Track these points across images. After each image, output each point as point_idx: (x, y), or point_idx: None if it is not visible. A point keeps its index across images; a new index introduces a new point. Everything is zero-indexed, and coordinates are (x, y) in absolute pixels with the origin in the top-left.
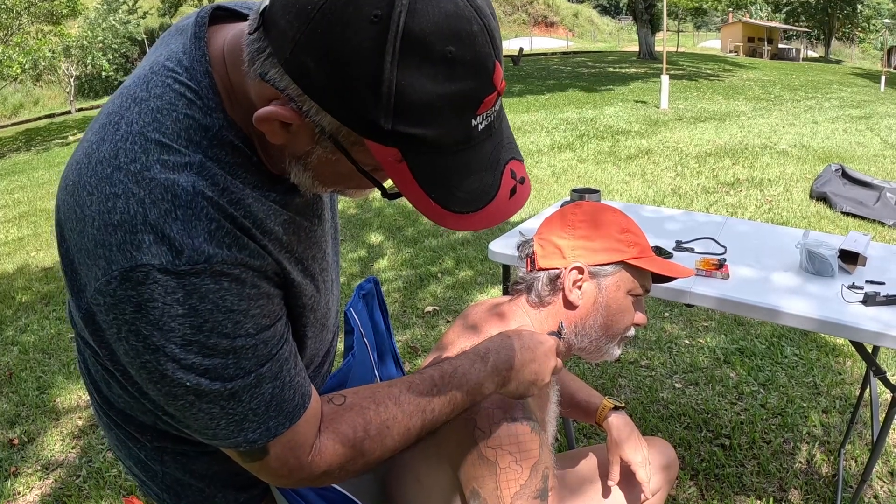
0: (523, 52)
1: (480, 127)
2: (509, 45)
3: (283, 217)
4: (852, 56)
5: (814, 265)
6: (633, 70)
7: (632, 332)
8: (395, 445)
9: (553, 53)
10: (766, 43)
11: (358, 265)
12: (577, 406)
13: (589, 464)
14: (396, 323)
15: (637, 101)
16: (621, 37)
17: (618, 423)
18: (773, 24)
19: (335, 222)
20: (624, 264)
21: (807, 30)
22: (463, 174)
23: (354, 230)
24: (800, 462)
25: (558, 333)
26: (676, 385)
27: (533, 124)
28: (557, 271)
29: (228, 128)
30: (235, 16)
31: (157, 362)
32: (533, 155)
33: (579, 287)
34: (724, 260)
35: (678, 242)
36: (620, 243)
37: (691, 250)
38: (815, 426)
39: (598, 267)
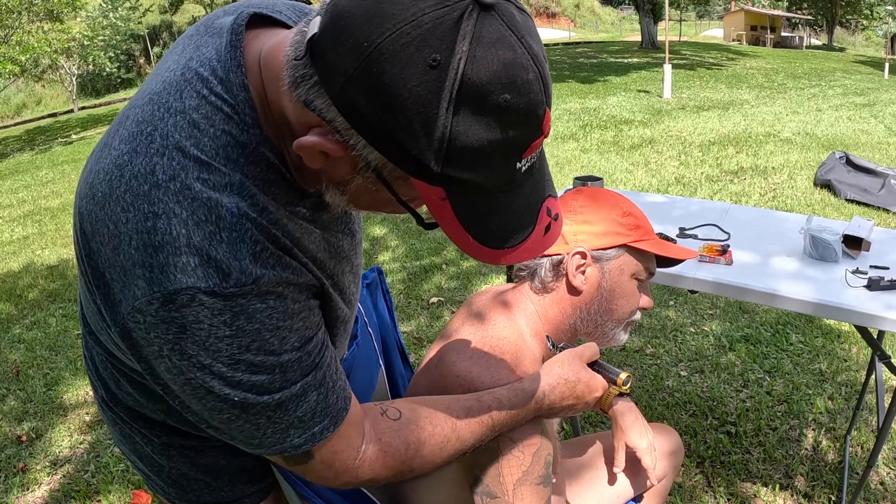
0: None
1: (524, 169)
2: None
3: (314, 234)
4: (855, 44)
5: (817, 250)
6: (635, 60)
7: (638, 316)
8: (443, 464)
9: (555, 44)
10: (768, 31)
11: (362, 257)
12: None
13: (594, 451)
14: (401, 314)
15: (640, 91)
16: (623, 27)
17: (623, 409)
18: (775, 12)
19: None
20: (627, 248)
21: (810, 17)
22: (503, 214)
23: None
24: (805, 448)
25: (555, 347)
26: (682, 373)
27: None
28: (560, 257)
29: (264, 144)
30: (272, 22)
31: (202, 380)
32: None
33: (583, 272)
34: (728, 246)
35: (681, 229)
36: (622, 227)
37: (695, 237)
38: (820, 413)
39: (600, 251)
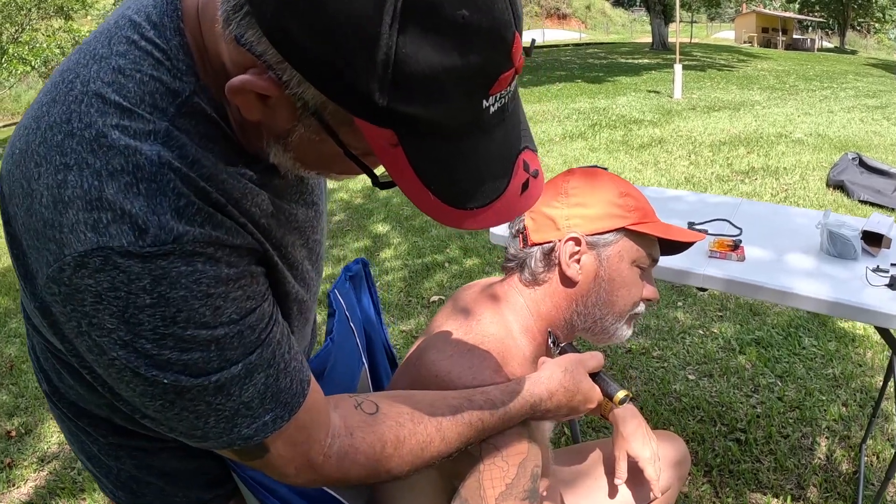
0: (535, 44)
1: (492, 109)
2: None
3: (260, 197)
4: (867, 47)
5: (835, 247)
6: (645, 61)
7: (641, 308)
8: (423, 466)
9: (565, 45)
10: (780, 33)
11: (362, 255)
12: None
13: (594, 459)
14: (401, 312)
15: (650, 91)
16: (634, 28)
17: (625, 415)
18: (787, 14)
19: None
20: (625, 231)
21: (821, 20)
22: (469, 165)
23: (360, 220)
24: (819, 458)
25: (556, 345)
26: (690, 377)
27: (544, 114)
28: (551, 244)
29: (201, 94)
30: None
31: (126, 360)
32: (544, 144)
33: (577, 261)
34: (740, 241)
35: (690, 224)
36: (620, 208)
37: (705, 232)
38: (834, 420)
39: (596, 236)
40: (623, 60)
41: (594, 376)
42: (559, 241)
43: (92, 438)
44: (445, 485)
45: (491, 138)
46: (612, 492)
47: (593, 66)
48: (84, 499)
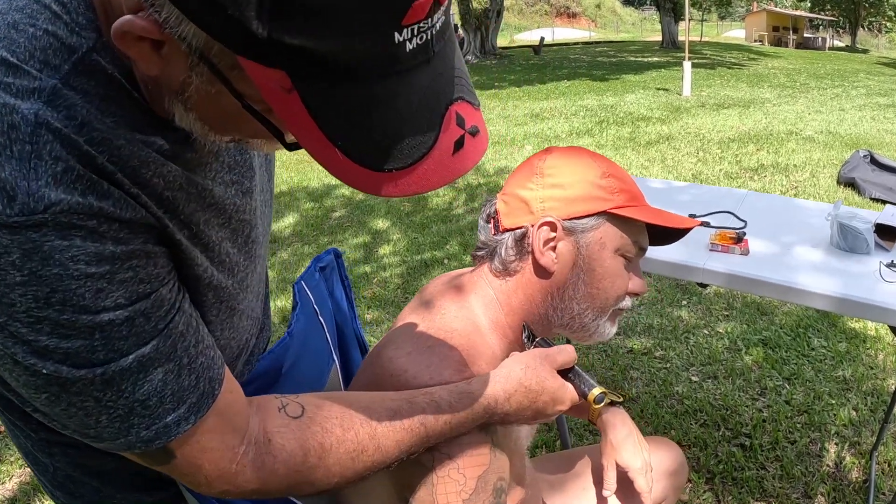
0: (544, 42)
1: (410, 46)
2: (531, 36)
3: (167, 168)
4: (879, 46)
5: (846, 240)
6: (655, 59)
7: (627, 302)
8: (355, 478)
9: (575, 43)
10: (791, 32)
11: (361, 251)
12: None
13: (582, 467)
14: (397, 309)
15: (659, 89)
16: (644, 27)
17: (613, 421)
18: (798, 12)
19: (271, 190)
20: (608, 215)
21: (833, 19)
22: (383, 115)
23: (360, 216)
24: (827, 465)
25: (531, 339)
26: (693, 378)
27: (551, 111)
28: (523, 230)
29: (102, 51)
30: None
31: (4, 345)
32: (550, 141)
33: (553, 248)
34: (744, 234)
35: (691, 216)
36: (602, 190)
37: (707, 224)
38: (844, 425)
39: (574, 221)
40: (632, 58)
41: (566, 374)
42: (532, 225)
43: (25, 434)
44: (401, 497)
45: (410, 83)
46: (601, 503)
47: (602, 64)
48: None
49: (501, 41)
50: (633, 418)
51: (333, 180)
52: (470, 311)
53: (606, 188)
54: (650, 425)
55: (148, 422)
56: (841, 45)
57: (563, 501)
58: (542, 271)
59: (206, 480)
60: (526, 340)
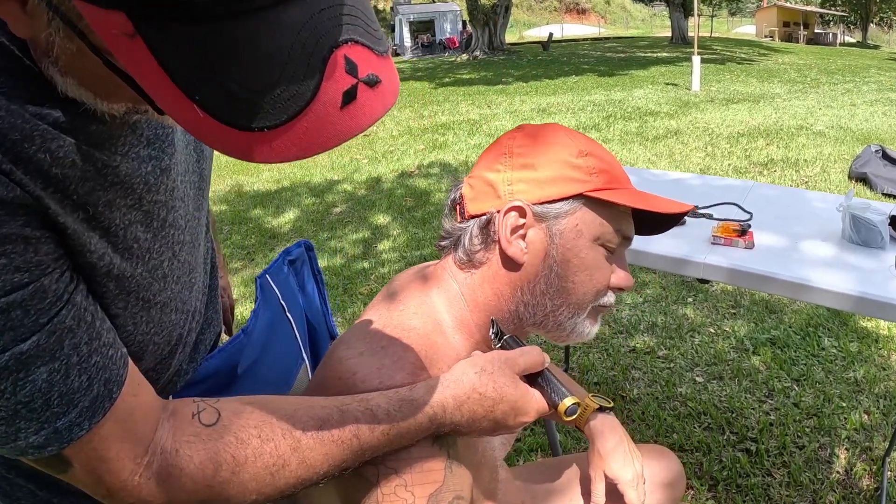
0: (552, 38)
1: None
2: (540, 32)
3: (57, 143)
4: (890, 41)
5: (859, 233)
6: (664, 54)
7: (609, 298)
8: (277, 494)
9: (584, 39)
10: (801, 28)
11: (360, 246)
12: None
13: (570, 477)
14: None
15: (667, 84)
16: (654, 23)
17: (602, 429)
18: (809, 8)
19: (201, 172)
20: (585, 199)
21: (844, 14)
22: (244, 60)
23: (361, 211)
24: (837, 472)
25: (499, 337)
26: (697, 379)
27: (559, 106)
28: (488, 216)
29: None
30: None
31: None
32: None
33: (522, 236)
34: (749, 226)
35: (693, 208)
36: (578, 170)
37: (709, 216)
38: (855, 429)
39: (546, 205)
40: (641, 54)
41: (534, 379)
42: (498, 211)
43: None
44: None
45: (278, 20)
46: None
47: (611, 59)
48: None
49: (510, 37)
50: (633, 421)
51: (336, 175)
52: (431, 308)
53: (583, 168)
54: (651, 428)
55: (36, 426)
56: (852, 40)
57: None
58: (510, 263)
59: (108, 492)
60: (493, 337)
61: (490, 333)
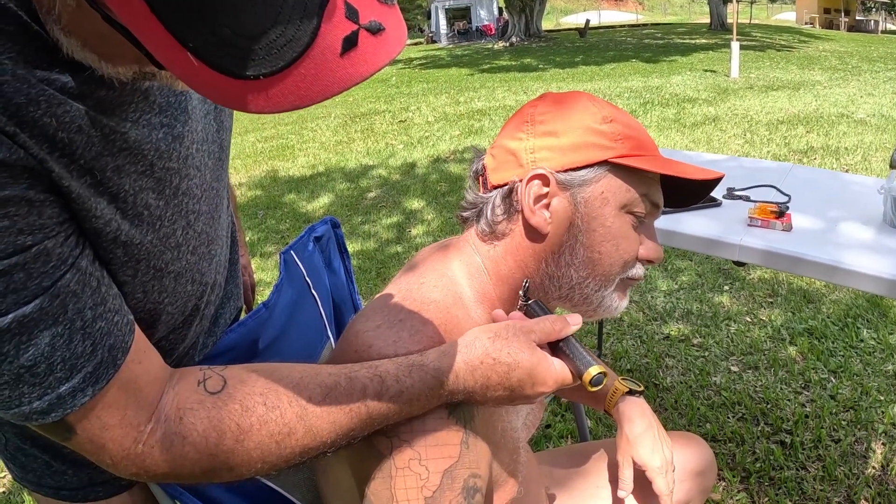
0: (590, 25)
1: None
2: (577, 19)
3: (62, 109)
4: None
5: None
6: (703, 41)
7: (638, 270)
8: (284, 464)
9: (621, 26)
10: (842, 14)
11: (394, 230)
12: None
13: (596, 465)
14: None
15: (706, 71)
16: (692, 9)
17: (631, 413)
18: None
19: (221, 142)
20: (610, 166)
21: (886, 1)
22: (236, 3)
23: (395, 196)
24: (873, 467)
25: (525, 298)
26: (732, 368)
27: (595, 92)
28: (511, 185)
29: None
30: None
31: None
32: None
33: (546, 206)
34: (787, 208)
35: (730, 190)
36: (602, 136)
37: (746, 198)
38: (892, 423)
39: (570, 173)
40: (679, 40)
41: (557, 348)
42: (521, 180)
43: None
44: (362, 492)
45: None
46: None
47: (649, 46)
48: None
49: (547, 24)
50: (665, 409)
51: (371, 160)
52: (452, 281)
53: (608, 134)
54: (684, 417)
55: (39, 391)
56: (894, 28)
57: (573, 500)
58: (533, 233)
59: (112, 461)
60: (521, 295)
61: (520, 292)
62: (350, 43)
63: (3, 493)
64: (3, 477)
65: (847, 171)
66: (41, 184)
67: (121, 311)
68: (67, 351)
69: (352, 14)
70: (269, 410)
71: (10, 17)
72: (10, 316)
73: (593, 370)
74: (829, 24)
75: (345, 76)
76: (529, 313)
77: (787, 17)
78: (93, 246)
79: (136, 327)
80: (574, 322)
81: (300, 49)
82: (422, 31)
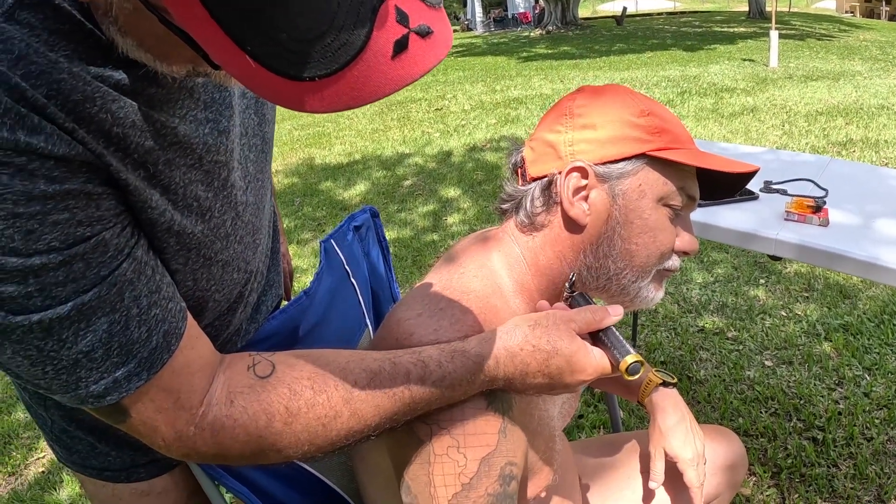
0: (626, 12)
1: None
2: (614, 7)
3: (117, 105)
4: None
5: None
6: (741, 29)
7: (675, 262)
8: (329, 446)
9: (659, 14)
10: (884, 3)
11: (430, 219)
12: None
13: (627, 456)
14: None
15: (744, 60)
16: None
17: (664, 404)
18: None
19: (264, 135)
20: (647, 159)
21: None
22: (294, 10)
23: (431, 184)
24: None
25: (571, 289)
26: (766, 363)
27: (632, 81)
28: (550, 177)
29: None
30: None
31: None
32: None
33: (584, 198)
34: (824, 202)
35: (766, 183)
36: (639, 129)
37: (783, 192)
38: None
39: (608, 165)
40: (718, 29)
41: (597, 337)
42: (560, 172)
43: (21, 386)
44: (399, 478)
45: None
46: (647, 496)
47: (686, 34)
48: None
49: (584, 12)
50: (698, 402)
51: (407, 148)
52: (491, 271)
53: (645, 127)
54: (716, 411)
55: (96, 375)
56: None
57: (604, 490)
58: (572, 225)
59: (164, 443)
60: (567, 286)
61: (567, 283)
62: (401, 46)
63: (43, 472)
64: (43, 457)
65: (887, 164)
66: (99, 177)
67: (174, 298)
68: (124, 337)
69: (402, 18)
70: (317, 394)
71: (64, 17)
72: (70, 304)
73: (630, 358)
74: (871, 13)
75: (396, 77)
76: (573, 304)
77: (828, 5)
78: (147, 236)
79: (188, 314)
80: (615, 313)
81: (353, 52)
82: (457, 18)
